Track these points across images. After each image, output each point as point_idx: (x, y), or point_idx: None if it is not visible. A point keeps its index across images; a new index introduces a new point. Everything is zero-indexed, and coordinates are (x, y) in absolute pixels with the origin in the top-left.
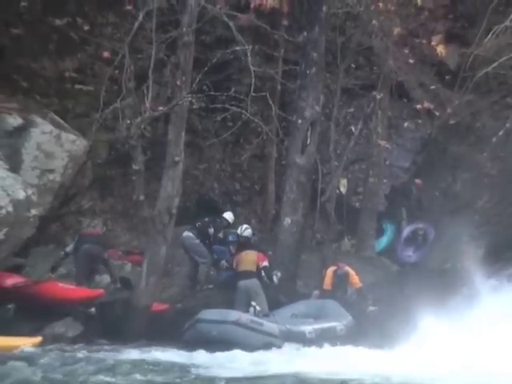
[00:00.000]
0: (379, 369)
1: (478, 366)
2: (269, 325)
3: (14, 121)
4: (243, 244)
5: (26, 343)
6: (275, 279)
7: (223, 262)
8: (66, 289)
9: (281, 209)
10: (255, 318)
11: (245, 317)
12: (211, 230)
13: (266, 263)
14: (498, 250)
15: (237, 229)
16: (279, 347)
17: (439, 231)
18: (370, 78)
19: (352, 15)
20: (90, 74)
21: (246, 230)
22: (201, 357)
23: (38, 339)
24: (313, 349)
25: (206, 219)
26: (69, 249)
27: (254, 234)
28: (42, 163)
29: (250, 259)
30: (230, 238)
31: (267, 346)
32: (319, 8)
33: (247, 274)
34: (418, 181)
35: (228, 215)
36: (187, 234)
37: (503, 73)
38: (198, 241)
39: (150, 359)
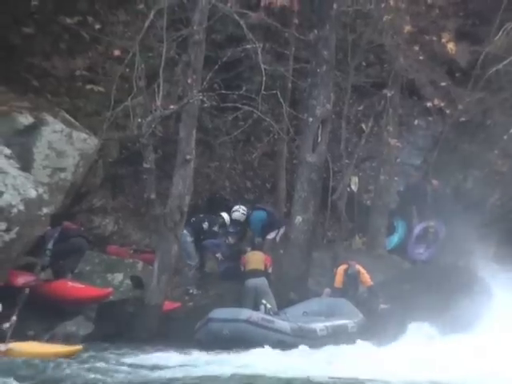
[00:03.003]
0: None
1: (488, 366)
2: (280, 323)
3: (25, 120)
4: (239, 224)
5: (66, 351)
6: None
7: (219, 255)
8: (76, 288)
9: (292, 207)
10: (266, 316)
11: (256, 315)
12: (206, 225)
13: (271, 269)
14: (508, 247)
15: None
16: (291, 345)
17: (450, 229)
18: (380, 76)
19: (362, 13)
20: (101, 73)
21: (234, 213)
22: None
23: (78, 347)
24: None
25: (201, 215)
26: (50, 245)
27: (259, 209)
28: (54, 162)
29: (257, 259)
30: (231, 229)
31: (279, 344)
32: (330, 6)
33: (255, 273)
34: (434, 181)
35: (225, 215)
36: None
37: None
38: (191, 239)
39: None
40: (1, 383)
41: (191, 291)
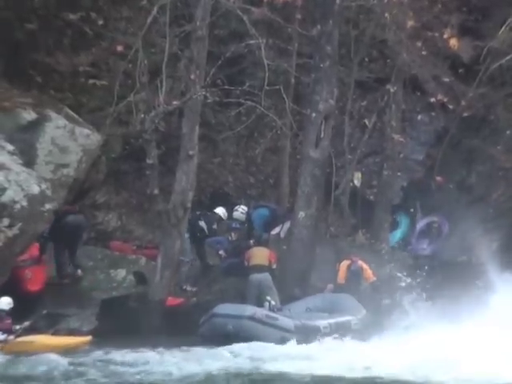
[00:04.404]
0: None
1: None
2: (284, 320)
3: (29, 115)
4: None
5: (76, 342)
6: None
7: (221, 252)
8: (28, 279)
9: (295, 202)
10: (271, 313)
11: (260, 312)
12: (202, 223)
13: (275, 265)
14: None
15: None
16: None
17: (453, 224)
18: (383, 71)
19: (365, 8)
20: (104, 69)
21: (233, 213)
22: None
23: (88, 338)
24: None
25: (198, 212)
26: (47, 232)
27: (261, 207)
28: (57, 158)
29: (262, 254)
30: (233, 225)
31: (282, 341)
32: (333, 1)
33: (260, 268)
34: (439, 178)
35: (220, 210)
36: None
37: None
38: (186, 235)
39: None
40: None
41: (184, 287)
